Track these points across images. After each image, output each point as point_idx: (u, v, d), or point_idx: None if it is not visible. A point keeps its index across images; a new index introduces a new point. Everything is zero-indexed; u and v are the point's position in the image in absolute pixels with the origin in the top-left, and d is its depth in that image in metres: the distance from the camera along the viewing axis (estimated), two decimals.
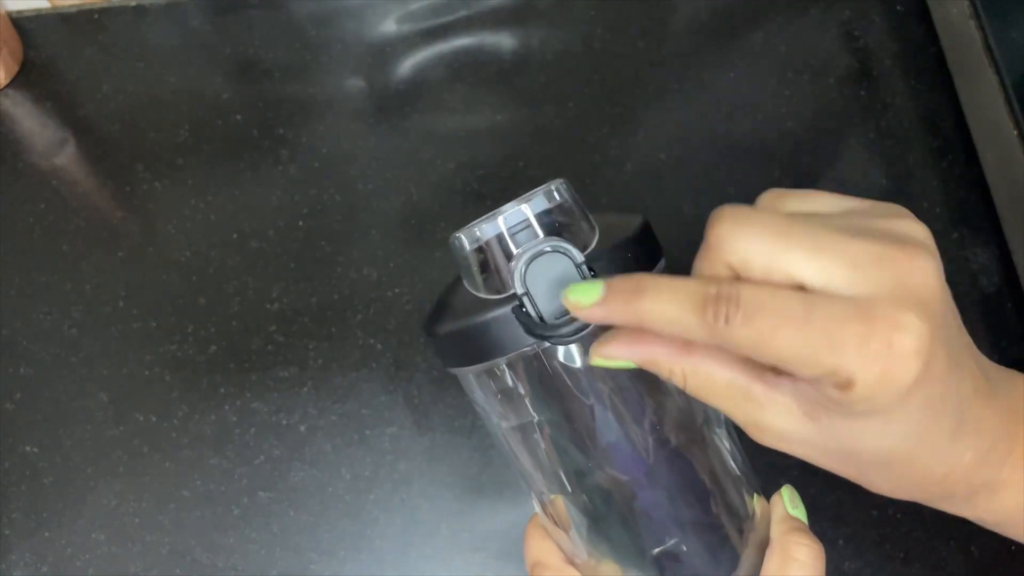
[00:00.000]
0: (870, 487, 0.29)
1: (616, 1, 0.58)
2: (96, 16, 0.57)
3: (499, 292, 0.30)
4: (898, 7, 0.58)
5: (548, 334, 0.29)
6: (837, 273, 0.25)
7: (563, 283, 0.28)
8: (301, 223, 0.53)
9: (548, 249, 0.29)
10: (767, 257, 0.25)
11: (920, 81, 0.56)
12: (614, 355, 0.28)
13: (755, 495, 0.33)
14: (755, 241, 0.25)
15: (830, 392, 0.25)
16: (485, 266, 0.31)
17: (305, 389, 0.49)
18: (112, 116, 0.55)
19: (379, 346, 0.50)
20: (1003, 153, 0.50)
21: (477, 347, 0.30)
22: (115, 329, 0.50)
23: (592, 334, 0.29)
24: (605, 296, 0.26)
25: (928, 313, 0.25)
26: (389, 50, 0.57)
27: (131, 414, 0.49)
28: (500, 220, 0.30)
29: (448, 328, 0.31)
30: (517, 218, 0.30)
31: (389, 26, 0.57)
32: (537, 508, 0.35)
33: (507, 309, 0.30)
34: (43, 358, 0.50)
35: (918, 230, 0.28)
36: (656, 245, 0.33)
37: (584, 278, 0.29)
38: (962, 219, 0.53)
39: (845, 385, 0.24)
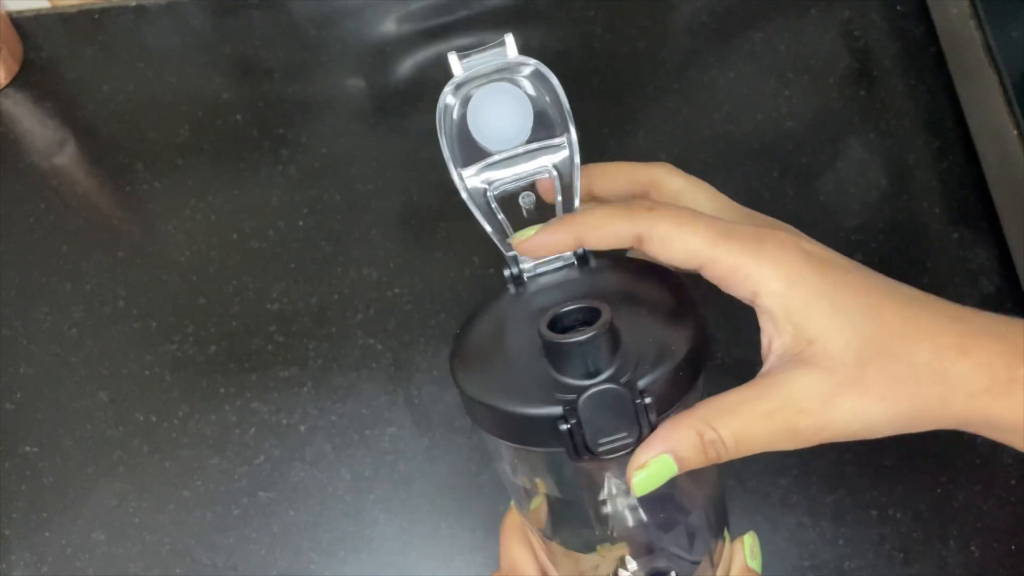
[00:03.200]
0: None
1: (616, 1, 0.58)
2: (96, 16, 0.57)
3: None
4: (898, 7, 0.58)
5: (592, 459, 0.27)
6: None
7: (615, 413, 0.26)
8: (301, 223, 0.53)
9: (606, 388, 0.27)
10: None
11: (920, 81, 0.56)
12: (649, 459, 0.27)
13: (724, 534, 0.33)
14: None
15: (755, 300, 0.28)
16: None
17: (305, 389, 0.49)
18: (112, 116, 0.55)
19: (379, 346, 0.50)
20: (1003, 153, 0.50)
21: (509, 430, 0.28)
22: (115, 329, 0.50)
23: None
24: (546, 226, 0.30)
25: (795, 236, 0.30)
26: (389, 50, 0.57)
27: (131, 414, 0.49)
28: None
29: (482, 396, 0.28)
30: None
31: (389, 26, 0.57)
32: (515, 506, 0.34)
33: (551, 412, 0.27)
34: (43, 358, 0.50)
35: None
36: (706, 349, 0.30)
37: (637, 414, 0.27)
38: (962, 219, 0.53)
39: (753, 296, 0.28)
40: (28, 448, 0.48)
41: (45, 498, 0.48)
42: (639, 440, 0.27)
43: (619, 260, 0.33)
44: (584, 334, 0.26)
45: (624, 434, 0.27)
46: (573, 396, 0.26)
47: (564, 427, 0.26)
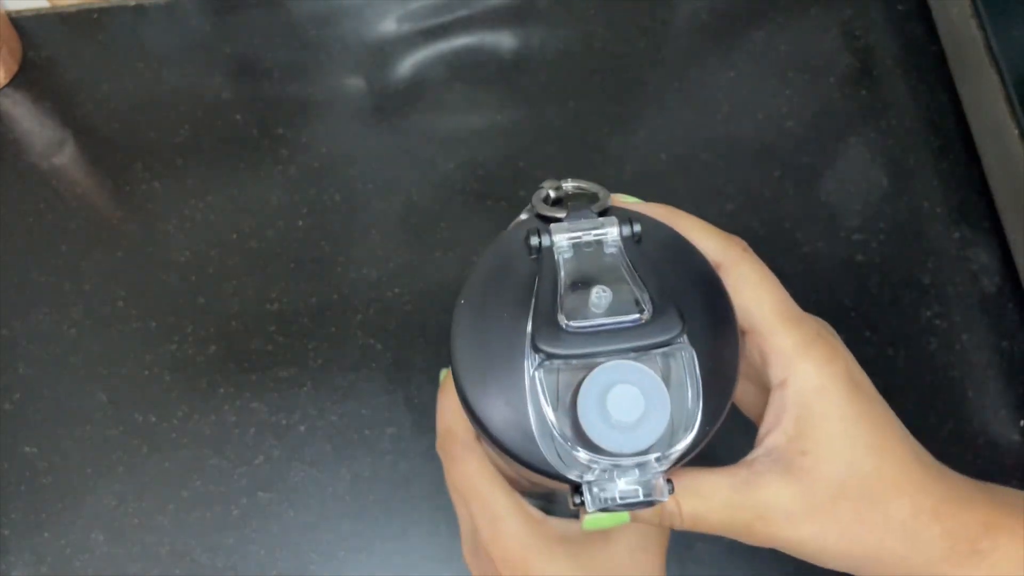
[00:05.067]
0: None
1: (616, 1, 0.58)
2: (96, 16, 0.57)
3: None
4: (898, 7, 0.58)
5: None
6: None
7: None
8: (301, 223, 0.53)
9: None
10: None
11: (920, 81, 0.56)
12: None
13: None
14: None
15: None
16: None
17: (305, 389, 0.49)
18: (112, 116, 0.55)
19: (379, 346, 0.50)
20: (1003, 153, 0.50)
21: (507, 451, 0.26)
22: (115, 329, 0.50)
23: None
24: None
25: None
26: (389, 50, 0.57)
27: (131, 414, 0.49)
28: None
29: (485, 420, 0.26)
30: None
31: (389, 26, 0.57)
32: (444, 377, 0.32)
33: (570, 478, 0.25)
34: (43, 358, 0.50)
35: None
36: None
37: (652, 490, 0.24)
38: (962, 219, 0.53)
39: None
40: (28, 448, 0.48)
41: (45, 498, 0.47)
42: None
43: (673, 251, 0.28)
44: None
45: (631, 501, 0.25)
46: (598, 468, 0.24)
47: (577, 498, 0.25)
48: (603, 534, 0.32)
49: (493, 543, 0.31)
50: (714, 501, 0.27)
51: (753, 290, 0.28)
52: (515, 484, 0.32)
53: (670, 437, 0.24)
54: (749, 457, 0.28)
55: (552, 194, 0.28)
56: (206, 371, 0.50)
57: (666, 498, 0.24)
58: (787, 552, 0.28)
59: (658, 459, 0.24)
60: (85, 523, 0.47)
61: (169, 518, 0.47)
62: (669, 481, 0.24)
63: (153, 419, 0.49)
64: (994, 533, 0.27)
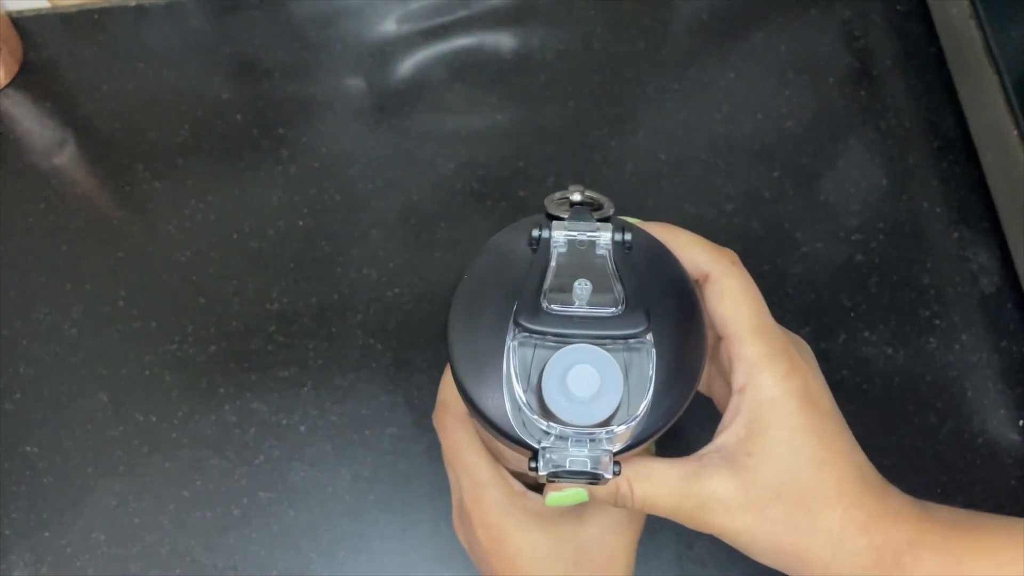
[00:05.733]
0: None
1: (616, 1, 0.58)
2: (96, 16, 0.57)
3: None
4: (898, 7, 0.58)
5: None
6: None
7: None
8: (301, 223, 0.53)
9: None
10: None
11: (920, 81, 0.56)
12: (564, 488, 0.31)
13: None
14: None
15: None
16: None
17: (305, 389, 0.49)
18: (112, 116, 0.55)
19: (379, 346, 0.50)
20: (1003, 153, 0.50)
21: (478, 411, 0.28)
22: (115, 329, 0.50)
23: None
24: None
25: None
26: (389, 50, 0.57)
27: (131, 414, 0.49)
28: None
29: (471, 395, 0.28)
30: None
31: (389, 26, 0.57)
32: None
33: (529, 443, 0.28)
34: (43, 358, 0.50)
35: None
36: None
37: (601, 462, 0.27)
38: (962, 219, 0.53)
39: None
40: (28, 448, 0.48)
41: (45, 498, 0.48)
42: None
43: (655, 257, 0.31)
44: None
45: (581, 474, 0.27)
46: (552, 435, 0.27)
47: (534, 463, 0.27)
48: (578, 514, 0.34)
49: (474, 508, 0.34)
50: (663, 487, 0.30)
51: (733, 301, 0.30)
52: (502, 462, 0.35)
53: (624, 419, 0.27)
54: (701, 451, 0.30)
55: (569, 197, 0.31)
56: (207, 371, 0.50)
57: (610, 474, 0.27)
58: (724, 540, 0.30)
59: (607, 435, 0.27)
60: (86, 523, 0.47)
61: (170, 518, 0.47)
62: (617, 463, 0.27)
63: (154, 419, 0.49)
64: (918, 549, 0.29)
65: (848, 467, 0.30)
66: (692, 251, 0.31)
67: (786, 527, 0.29)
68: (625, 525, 0.35)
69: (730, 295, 0.30)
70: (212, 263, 0.52)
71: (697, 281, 0.31)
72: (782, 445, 0.29)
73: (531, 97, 0.56)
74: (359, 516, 0.47)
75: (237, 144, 0.54)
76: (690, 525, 0.30)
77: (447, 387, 0.36)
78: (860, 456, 0.30)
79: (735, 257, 0.31)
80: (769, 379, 0.29)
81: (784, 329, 0.31)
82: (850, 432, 0.31)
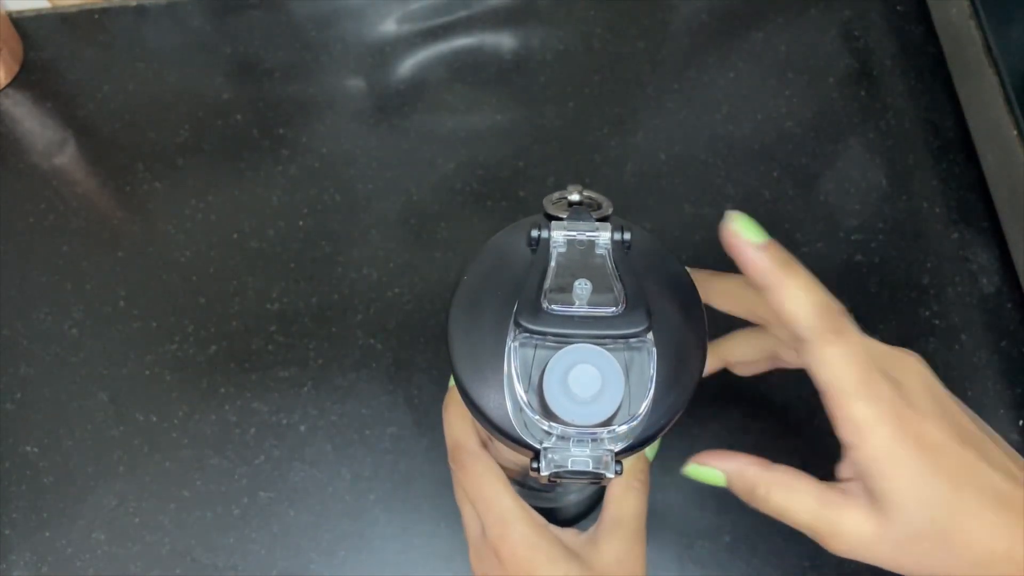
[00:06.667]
0: None
1: (616, 1, 0.58)
2: (96, 16, 0.58)
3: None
4: (898, 7, 0.58)
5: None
6: None
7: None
8: (301, 223, 0.53)
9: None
10: None
11: (920, 81, 0.56)
12: (712, 464, 0.32)
13: None
14: None
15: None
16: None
17: (305, 389, 0.49)
18: (112, 116, 0.55)
19: (379, 346, 0.50)
20: (1003, 153, 0.50)
21: (481, 413, 0.28)
22: (115, 329, 0.50)
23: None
24: (768, 245, 0.30)
25: None
26: (389, 50, 0.57)
27: (131, 414, 0.49)
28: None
29: (473, 399, 0.28)
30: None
31: (389, 26, 0.58)
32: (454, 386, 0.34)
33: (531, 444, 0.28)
34: (43, 358, 0.50)
35: None
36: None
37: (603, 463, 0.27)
38: (962, 219, 0.53)
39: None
40: (28, 448, 0.48)
41: (45, 498, 0.48)
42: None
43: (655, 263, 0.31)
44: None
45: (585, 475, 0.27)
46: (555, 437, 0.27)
47: (535, 465, 0.27)
48: (592, 541, 0.34)
49: (501, 543, 0.33)
50: (801, 505, 0.31)
51: (832, 370, 0.30)
52: (510, 475, 0.34)
53: (626, 418, 0.27)
54: (845, 473, 0.31)
55: (568, 197, 0.31)
56: (207, 371, 0.50)
57: (612, 474, 0.27)
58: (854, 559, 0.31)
59: (609, 435, 0.27)
60: (86, 523, 0.47)
61: (170, 518, 0.47)
62: (619, 462, 0.27)
63: (154, 419, 0.49)
64: None
65: (982, 500, 0.29)
66: (795, 314, 0.30)
67: (932, 559, 0.30)
68: (634, 552, 0.35)
69: (829, 365, 0.30)
70: (212, 263, 0.52)
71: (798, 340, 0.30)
72: (910, 499, 0.29)
73: (531, 97, 0.56)
74: (359, 516, 0.47)
75: (237, 144, 0.54)
76: (822, 544, 0.31)
77: (455, 427, 0.35)
78: (989, 473, 0.30)
79: (842, 322, 0.30)
80: (879, 441, 0.29)
81: (886, 350, 0.31)
82: (975, 445, 0.30)
